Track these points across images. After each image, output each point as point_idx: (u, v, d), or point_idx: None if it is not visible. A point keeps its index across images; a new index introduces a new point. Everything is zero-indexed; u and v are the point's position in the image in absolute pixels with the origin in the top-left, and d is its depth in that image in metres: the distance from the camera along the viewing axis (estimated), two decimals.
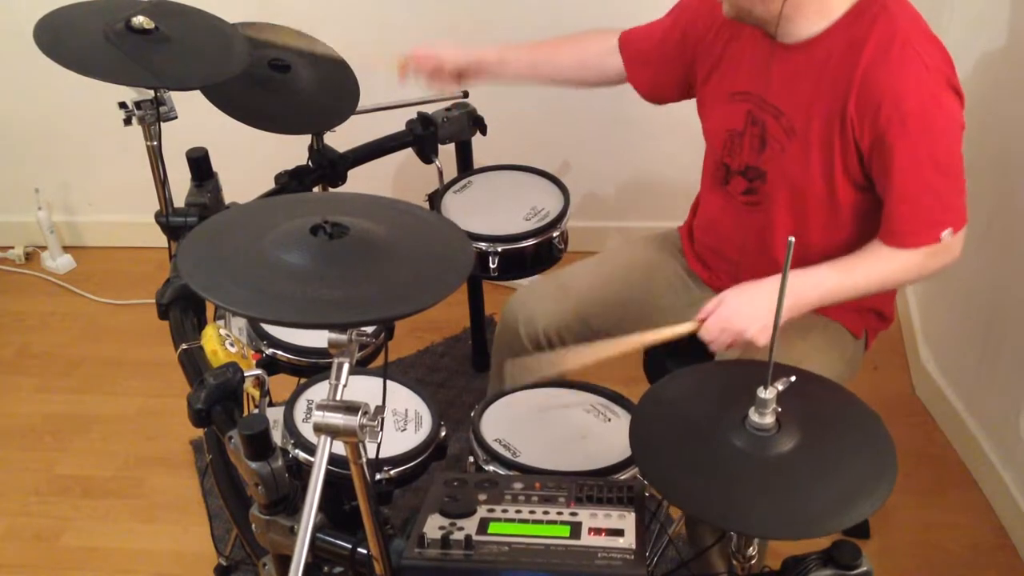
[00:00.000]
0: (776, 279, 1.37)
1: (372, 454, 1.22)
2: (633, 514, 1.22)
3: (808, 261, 1.50)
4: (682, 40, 1.68)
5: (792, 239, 1.06)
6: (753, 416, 1.13)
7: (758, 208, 1.59)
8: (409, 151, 2.22)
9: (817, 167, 1.50)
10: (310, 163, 2.06)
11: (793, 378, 1.13)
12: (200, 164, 1.79)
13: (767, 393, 1.11)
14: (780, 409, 1.12)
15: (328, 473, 1.04)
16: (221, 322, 1.58)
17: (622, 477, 1.41)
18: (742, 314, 1.45)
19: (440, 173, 2.22)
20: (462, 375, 2.57)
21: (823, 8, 1.45)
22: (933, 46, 1.44)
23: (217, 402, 1.36)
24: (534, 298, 1.78)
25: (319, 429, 1.03)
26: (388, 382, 1.60)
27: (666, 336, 1.52)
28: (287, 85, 1.92)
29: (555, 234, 2.02)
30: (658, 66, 1.74)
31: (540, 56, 1.87)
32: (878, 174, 1.47)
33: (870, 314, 1.68)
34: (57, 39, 1.55)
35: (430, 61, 1.85)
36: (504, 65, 1.85)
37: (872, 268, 1.49)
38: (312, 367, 1.72)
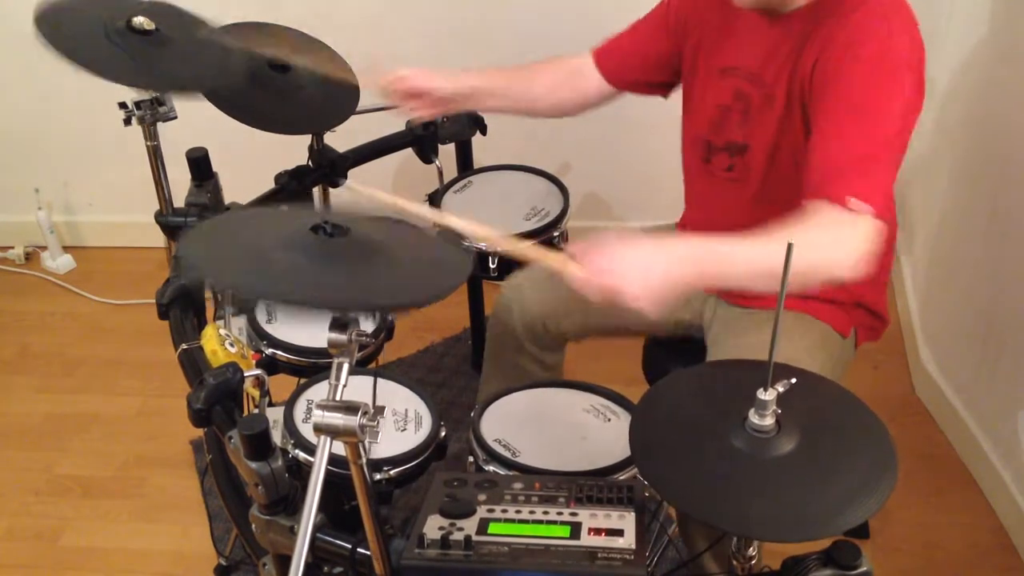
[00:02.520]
0: (657, 243, 1.27)
1: (372, 454, 1.22)
2: (633, 514, 1.22)
3: None
4: (673, 27, 1.68)
5: (792, 243, 1.05)
6: (753, 417, 1.13)
7: (741, 183, 1.59)
8: (409, 151, 2.22)
9: (797, 135, 1.48)
10: (310, 163, 2.06)
11: (794, 380, 1.12)
12: (200, 164, 1.79)
13: (767, 395, 1.11)
14: (780, 411, 1.12)
15: (328, 473, 1.04)
16: (221, 322, 1.59)
17: (622, 477, 1.41)
18: (624, 268, 1.24)
19: (440, 173, 2.22)
20: (462, 375, 2.57)
21: None
22: (903, 27, 1.40)
23: (217, 402, 1.36)
24: (528, 286, 1.78)
25: (319, 429, 1.03)
26: (389, 382, 1.61)
27: (532, 257, 1.33)
28: (287, 85, 1.92)
29: (555, 234, 2.02)
30: (647, 62, 1.74)
31: (514, 87, 1.84)
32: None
33: (857, 310, 1.67)
34: (58, 30, 1.54)
35: (409, 90, 1.78)
36: (477, 101, 1.83)
37: (795, 234, 1.23)
38: (312, 367, 1.72)
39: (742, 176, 1.59)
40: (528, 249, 1.34)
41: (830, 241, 1.31)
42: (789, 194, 1.51)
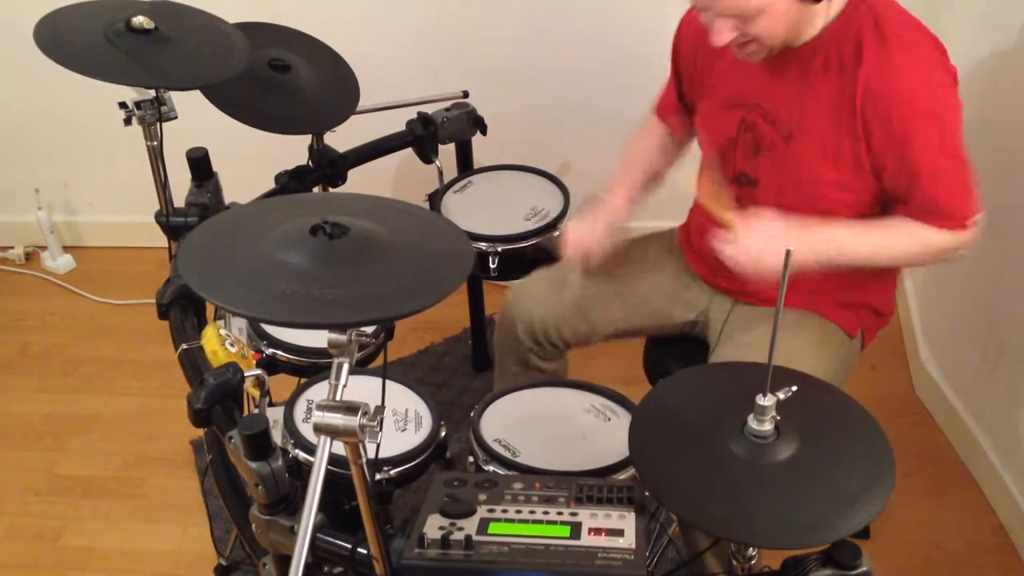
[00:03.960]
0: (803, 230, 1.45)
1: (372, 454, 1.22)
2: (633, 514, 1.22)
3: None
4: (684, 56, 1.71)
5: (790, 249, 1.05)
6: (752, 423, 1.12)
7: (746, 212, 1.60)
8: (409, 151, 2.22)
9: (820, 167, 1.49)
10: (310, 163, 2.06)
11: (795, 388, 1.12)
12: (200, 164, 1.79)
13: (766, 400, 1.11)
14: (779, 417, 1.12)
15: (328, 473, 1.04)
16: (221, 322, 1.58)
17: (622, 477, 1.41)
18: (762, 252, 1.44)
19: (440, 173, 2.22)
20: (462, 375, 2.57)
21: (812, 20, 1.45)
22: (923, 35, 1.44)
23: (217, 402, 1.36)
24: (531, 294, 1.78)
25: (319, 429, 1.03)
26: (389, 382, 1.60)
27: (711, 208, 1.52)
28: (287, 85, 1.92)
29: (555, 234, 2.02)
30: (680, 102, 1.78)
31: (646, 180, 1.85)
32: (896, 174, 1.46)
33: (865, 312, 1.68)
34: (57, 39, 1.55)
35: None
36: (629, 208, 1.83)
37: (894, 238, 1.50)
38: (312, 367, 1.72)
39: (747, 208, 1.58)
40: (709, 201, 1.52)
41: (938, 245, 1.50)
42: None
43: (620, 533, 1.18)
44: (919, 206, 1.47)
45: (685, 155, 1.87)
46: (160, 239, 1.82)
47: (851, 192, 1.50)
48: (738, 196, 1.59)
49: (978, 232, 1.49)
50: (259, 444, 1.15)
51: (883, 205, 1.52)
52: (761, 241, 1.44)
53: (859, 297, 1.65)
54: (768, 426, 1.12)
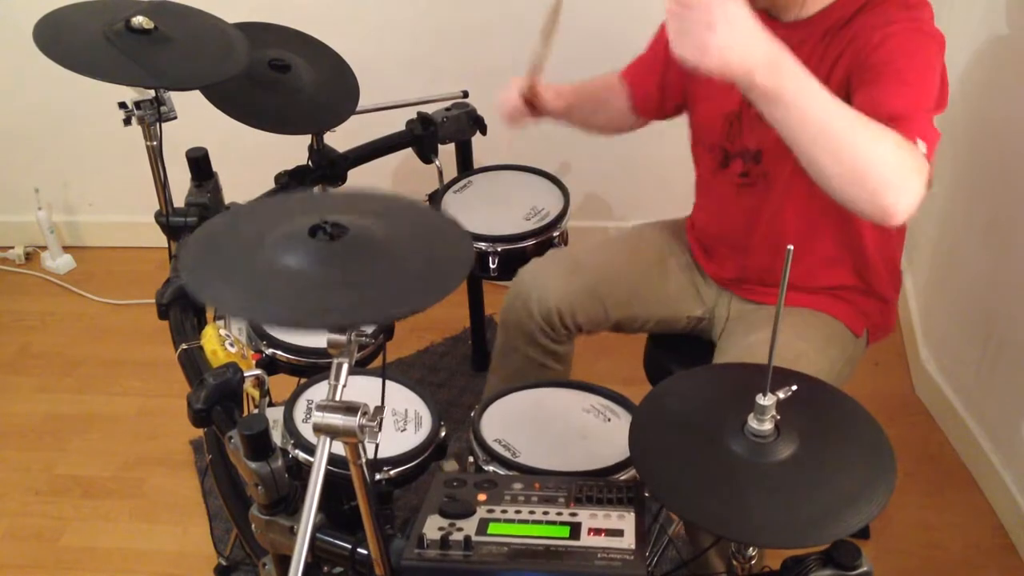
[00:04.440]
0: (772, 44, 1.23)
1: (372, 454, 1.22)
2: (633, 514, 1.22)
3: (815, 240, 1.50)
4: (664, 47, 1.68)
5: (791, 247, 1.04)
6: (752, 422, 1.12)
7: (754, 189, 1.59)
8: (409, 151, 2.22)
9: None
10: (310, 163, 2.06)
11: (794, 387, 1.12)
12: (200, 164, 1.79)
13: (766, 400, 1.11)
14: (779, 417, 1.12)
15: (328, 473, 1.04)
16: (221, 322, 1.58)
17: (622, 477, 1.41)
18: (725, 23, 1.19)
19: (440, 173, 2.22)
20: (462, 375, 2.57)
21: None
22: (928, 15, 1.44)
23: (217, 402, 1.36)
24: (546, 273, 1.76)
25: (319, 429, 1.03)
26: (389, 382, 1.60)
27: None
28: (287, 85, 1.92)
29: (555, 234, 2.02)
30: (650, 81, 1.76)
31: (584, 119, 1.87)
32: (860, 83, 1.39)
33: (873, 313, 1.68)
34: (57, 39, 1.55)
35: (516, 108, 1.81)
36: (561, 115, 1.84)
37: (853, 116, 1.27)
38: (312, 367, 1.72)
39: (755, 183, 1.58)
40: None
41: (895, 155, 1.25)
42: (803, 204, 1.51)
43: (620, 533, 1.18)
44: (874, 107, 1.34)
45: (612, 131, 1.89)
46: (160, 239, 1.82)
47: None
48: (744, 171, 1.59)
49: (925, 168, 1.28)
50: (259, 444, 1.15)
51: None
52: (719, 28, 1.18)
53: (865, 298, 1.65)
54: (768, 425, 1.12)
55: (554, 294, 1.73)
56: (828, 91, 1.24)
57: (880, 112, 1.28)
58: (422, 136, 2.19)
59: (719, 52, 1.18)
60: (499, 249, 1.98)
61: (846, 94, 1.40)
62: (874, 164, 1.23)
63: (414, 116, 2.21)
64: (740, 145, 1.59)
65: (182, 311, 1.62)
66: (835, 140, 1.23)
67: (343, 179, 2.10)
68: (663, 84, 1.76)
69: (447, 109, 2.23)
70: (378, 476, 1.43)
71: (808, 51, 1.46)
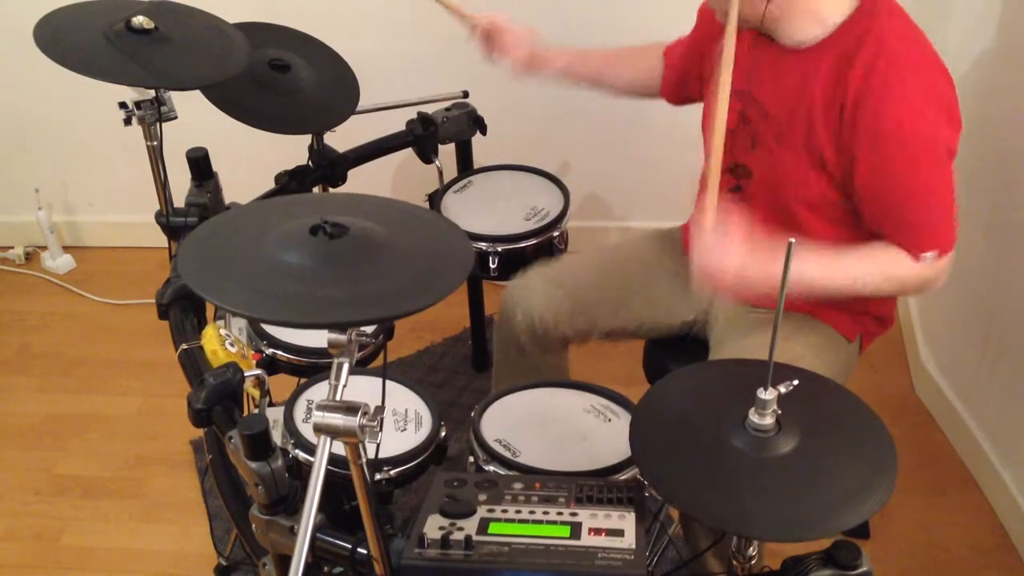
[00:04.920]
0: (771, 255, 1.38)
1: (372, 454, 1.22)
2: (633, 514, 1.22)
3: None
4: (698, 38, 1.70)
5: (792, 240, 1.05)
6: (753, 417, 1.13)
7: (744, 205, 1.59)
8: (409, 151, 2.22)
9: (803, 172, 1.49)
10: (310, 163, 2.06)
11: (796, 382, 1.12)
12: (200, 164, 1.79)
13: (767, 394, 1.11)
14: (780, 411, 1.12)
15: (328, 473, 1.04)
16: (221, 322, 1.58)
17: (622, 477, 1.41)
18: (727, 269, 1.39)
19: (440, 173, 2.22)
20: (462, 375, 2.57)
21: (816, 14, 1.45)
22: (925, 55, 1.43)
23: (217, 402, 1.36)
24: (529, 288, 1.78)
25: (319, 429, 1.03)
26: (388, 382, 1.60)
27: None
28: (287, 85, 1.92)
29: (555, 234, 2.02)
30: (682, 66, 1.77)
31: (604, 70, 1.89)
32: (864, 191, 1.46)
33: (867, 319, 1.68)
34: (57, 39, 1.55)
35: (498, 49, 1.88)
36: (566, 74, 1.89)
37: (857, 270, 1.48)
38: (312, 367, 1.72)
39: (745, 199, 1.59)
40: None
41: (896, 284, 1.50)
42: (788, 225, 1.53)
43: (620, 533, 1.18)
44: (888, 225, 1.47)
45: (631, 95, 1.90)
46: (160, 239, 1.82)
47: (834, 195, 1.50)
48: (736, 185, 1.60)
49: (940, 268, 1.47)
50: (259, 444, 1.15)
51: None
52: (728, 262, 1.39)
53: (861, 304, 1.65)
54: (769, 420, 1.12)
55: (538, 308, 1.75)
56: (825, 265, 1.45)
57: (894, 227, 1.46)
58: (422, 136, 2.19)
59: (730, 294, 1.42)
60: (499, 249, 1.98)
61: (846, 120, 1.44)
62: (892, 290, 1.57)
63: (414, 116, 2.21)
64: (731, 159, 1.59)
65: (182, 311, 1.62)
66: (846, 292, 1.51)
67: (343, 179, 2.10)
68: (687, 72, 1.77)
69: (447, 109, 2.23)
70: (378, 476, 1.43)
71: (804, 87, 1.47)
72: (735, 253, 1.38)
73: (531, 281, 1.80)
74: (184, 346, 1.53)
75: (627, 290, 1.77)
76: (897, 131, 1.39)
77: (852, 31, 1.43)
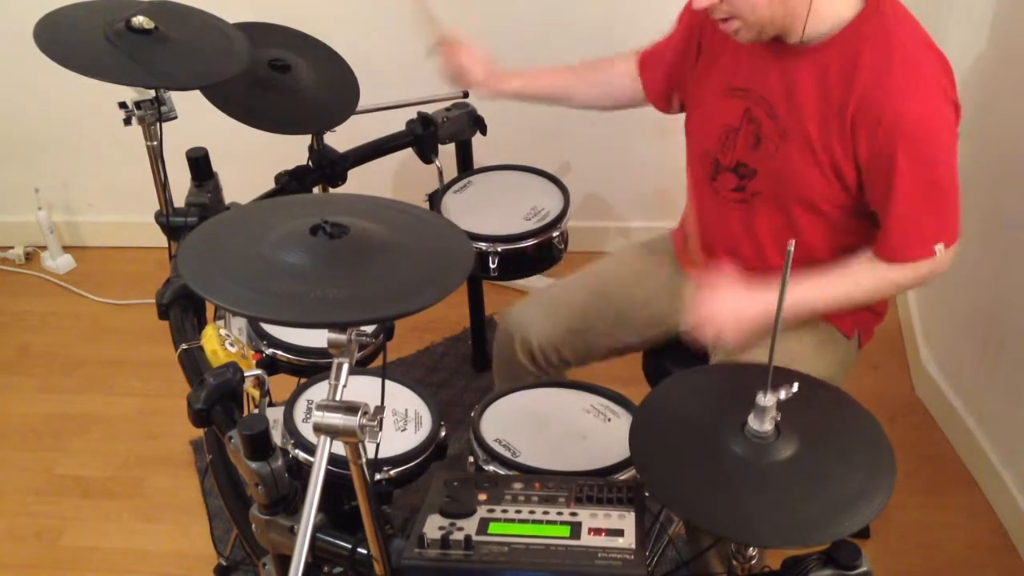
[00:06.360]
0: (764, 291, 1.44)
1: (372, 454, 1.22)
2: (633, 514, 1.22)
3: (793, 263, 1.51)
4: (690, 33, 1.68)
5: (792, 243, 1.05)
6: (752, 423, 1.12)
7: (745, 205, 1.59)
8: (409, 151, 2.22)
9: (809, 172, 1.49)
10: (310, 163, 2.06)
11: (796, 386, 1.12)
12: (200, 164, 1.79)
13: (766, 400, 1.11)
14: (779, 417, 1.12)
15: (328, 473, 1.04)
16: (221, 322, 1.58)
17: (622, 477, 1.41)
18: (724, 313, 1.46)
19: (440, 173, 2.22)
20: (462, 375, 2.57)
21: (830, 11, 1.45)
22: (931, 57, 1.43)
23: (217, 402, 1.36)
24: (526, 315, 1.79)
25: (319, 429, 1.03)
26: (388, 382, 1.60)
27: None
28: (287, 85, 1.92)
29: (555, 234, 2.02)
30: (671, 64, 1.75)
31: (563, 87, 1.89)
32: (874, 188, 1.47)
33: (865, 313, 1.68)
34: (57, 39, 1.55)
35: (457, 63, 1.88)
36: (525, 90, 1.88)
37: (858, 283, 1.51)
38: (312, 367, 1.72)
39: (748, 199, 1.59)
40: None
41: (905, 278, 1.51)
42: (792, 224, 1.53)
43: (620, 533, 1.18)
44: (880, 237, 1.48)
45: (603, 107, 1.91)
46: (160, 239, 1.82)
47: (838, 196, 1.51)
48: (737, 186, 1.59)
49: (947, 259, 1.48)
50: (259, 444, 1.15)
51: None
52: (722, 307, 1.46)
53: None
54: (768, 426, 1.12)
55: (536, 336, 1.76)
56: (824, 286, 1.50)
57: (912, 239, 1.47)
58: (422, 136, 2.19)
59: (736, 340, 1.45)
60: (499, 249, 1.97)
61: (843, 141, 1.45)
62: (888, 294, 1.66)
63: (414, 116, 2.21)
64: (733, 159, 1.59)
65: (182, 311, 1.62)
66: (846, 306, 1.56)
67: (343, 179, 2.10)
68: (669, 75, 1.76)
69: (447, 109, 2.23)
70: (378, 476, 1.43)
71: (813, 91, 1.47)
72: (730, 307, 1.45)
73: (528, 310, 1.80)
74: (184, 346, 1.53)
75: (628, 309, 1.77)
76: (917, 129, 1.40)
77: (859, 30, 1.43)
